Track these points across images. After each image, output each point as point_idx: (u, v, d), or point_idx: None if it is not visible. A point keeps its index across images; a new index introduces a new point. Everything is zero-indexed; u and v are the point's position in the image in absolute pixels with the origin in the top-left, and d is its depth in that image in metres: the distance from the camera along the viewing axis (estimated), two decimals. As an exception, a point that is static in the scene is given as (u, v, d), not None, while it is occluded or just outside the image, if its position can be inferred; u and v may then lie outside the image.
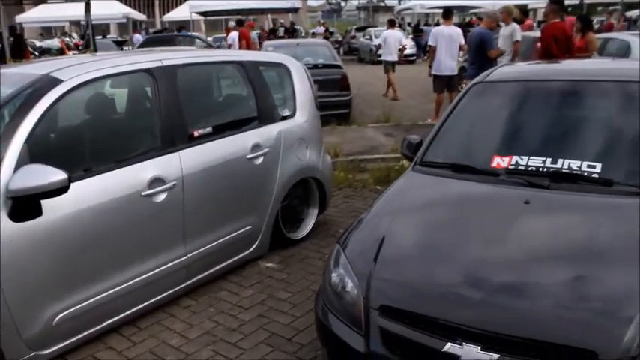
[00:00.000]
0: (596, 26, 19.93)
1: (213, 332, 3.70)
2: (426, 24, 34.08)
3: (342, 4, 70.27)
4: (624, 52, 11.20)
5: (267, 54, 6.36)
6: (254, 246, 4.58)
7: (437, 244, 2.68)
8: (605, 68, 4.25)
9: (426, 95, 12.53)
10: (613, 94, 3.44)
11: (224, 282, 4.36)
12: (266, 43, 12.72)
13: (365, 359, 2.38)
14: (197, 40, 20.12)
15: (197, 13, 24.57)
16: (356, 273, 2.58)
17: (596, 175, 2.90)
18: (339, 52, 27.69)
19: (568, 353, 2.05)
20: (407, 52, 24.55)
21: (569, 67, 4.50)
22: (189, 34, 23.53)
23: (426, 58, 19.87)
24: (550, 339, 2.09)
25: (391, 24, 15.37)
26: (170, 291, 3.94)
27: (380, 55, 23.58)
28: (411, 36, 27.97)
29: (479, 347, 2.12)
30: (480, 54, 8.83)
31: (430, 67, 10.53)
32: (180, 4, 34.90)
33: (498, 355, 2.09)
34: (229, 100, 5.02)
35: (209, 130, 4.17)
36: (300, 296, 4.11)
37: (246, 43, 14.68)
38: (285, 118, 4.89)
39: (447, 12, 10.88)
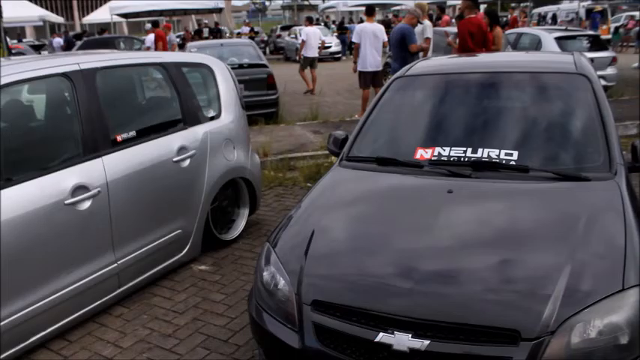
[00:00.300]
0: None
1: (148, 339, 3.63)
2: (350, 21, 34.48)
3: (267, 3, 70.02)
4: (536, 45, 11.78)
5: (189, 55, 6.27)
6: (186, 249, 4.53)
7: (365, 237, 2.74)
8: (517, 60, 4.46)
9: (352, 91, 12.70)
10: (526, 85, 3.63)
11: (157, 288, 4.28)
12: (190, 44, 12.53)
13: (300, 355, 2.40)
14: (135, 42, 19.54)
15: (118, 15, 23.87)
16: (287, 270, 2.60)
17: (513, 162, 3.05)
18: (265, 52, 27.68)
19: (493, 334, 2.14)
20: (332, 49, 24.88)
21: (485, 59, 4.69)
22: (130, 36, 22.88)
23: (350, 54, 20.14)
24: (476, 322, 2.18)
25: (309, 21, 15.66)
26: (101, 300, 3.84)
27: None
28: (335, 34, 28.23)
29: (410, 335, 2.18)
30: (402, 49, 9.04)
31: (355, 63, 10.66)
32: (101, 5, 33.82)
33: (429, 342, 2.16)
34: (153, 103, 4.93)
35: (133, 133, 4.08)
36: (234, 297, 4.09)
37: (162, 45, 14.38)
38: (210, 119, 4.84)
39: (370, 9, 11.06)
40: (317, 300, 2.42)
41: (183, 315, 3.90)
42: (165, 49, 14.18)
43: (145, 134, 4.20)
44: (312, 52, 14.51)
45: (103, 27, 25.65)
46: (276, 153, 7.74)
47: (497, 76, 3.74)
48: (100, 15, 28.99)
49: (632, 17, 25.12)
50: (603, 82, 11.43)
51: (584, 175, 2.91)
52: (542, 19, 26.30)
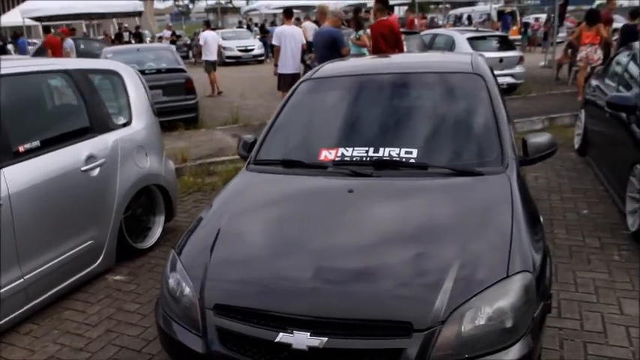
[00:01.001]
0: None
1: (58, 355, 3.53)
2: (272, 24, 34.47)
3: (190, 6, 68.97)
4: (450, 45, 12.20)
5: (96, 61, 6.12)
6: (99, 260, 4.43)
7: (267, 239, 2.78)
8: (418, 62, 4.63)
9: (274, 94, 12.70)
10: (426, 85, 3.79)
11: (69, 301, 4.17)
12: (105, 49, 12.19)
13: None
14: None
15: (31, 18, 22.84)
16: (191, 276, 2.61)
17: (412, 160, 3.17)
18: (187, 56, 27.23)
19: (388, 328, 2.24)
20: (255, 52, 24.85)
21: (388, 61, 4.84)
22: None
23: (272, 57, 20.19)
24: (371, 317, 2.26)
25: (207, 25, 15.76)
26: (7, 318, 3.70)
27: (226, 57, 23.62)
28: (258, 36, 28.18)
29: (308, 334, 2.24)
30: (331, 52, 9.07)
31: (276, 66, 10.68)
32: (13, 7, 32.27)
33: (327, 339, 2.22)
34: (58, 112, 4.78)
35: (37, 144, 3.96)
36: (149, 306, 4.03)
37: (52, 52, 13.75)
38: (121, 126, 4.76)
39: (288, 11, 11.10)
40: (219, 304, 2.44)
41: (96, 327, 3.82)
42: (57, 56, 13.34)
43: (51, 144, 4.08)
44: (212, 55, 14.81)
45: (17, 31, 24.47)
46: (195, 158, 7.67)
47: (398, 77, 3.87)
48: (10, 18, 27.61)
49: (536, 19, 26.41)
50: (512, 80, 12.08)
51: (478, 170, 3.06)
52: (458, 20, 27.23)
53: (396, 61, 4.81)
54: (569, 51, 13.79)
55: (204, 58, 14.63)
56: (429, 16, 32.00)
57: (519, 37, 25.57)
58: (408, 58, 5.26)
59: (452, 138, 3.42)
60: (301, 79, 4.15)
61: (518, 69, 12.22)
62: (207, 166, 7.47)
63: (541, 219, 3.11)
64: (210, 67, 14.57)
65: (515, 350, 2.25)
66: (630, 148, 4.84)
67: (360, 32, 9.11)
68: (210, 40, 14.89)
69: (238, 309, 2.41)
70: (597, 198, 5.65)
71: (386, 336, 2.22)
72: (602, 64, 9.10)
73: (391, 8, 9.02)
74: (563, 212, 5.33)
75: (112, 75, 5.00)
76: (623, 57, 6.39)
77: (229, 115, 10.59)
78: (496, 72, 11.75)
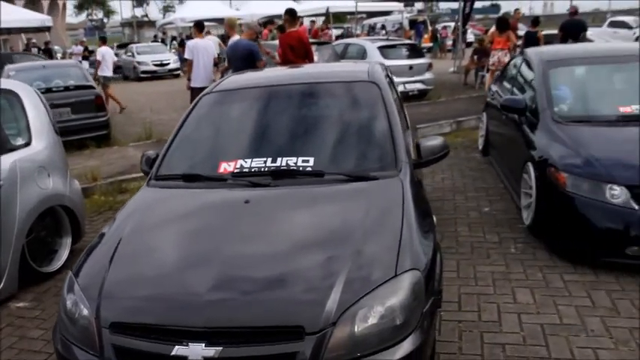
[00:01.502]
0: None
1: (-45, 390, 3.38)
2: (189, 37, 34.09)
3: (105, 20, 67.14)
4: (362, 54, 12.50)
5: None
6: None
7: (164, 254, 2.78)
8: (317, 72, 4.75)
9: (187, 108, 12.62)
10: (324, 95, 3.90)
11: (-33, 333, 3.99)
12: (8, 67, 11.67)
13: None
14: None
15: None
16: (87, 296, 2.58)
17: (309, 169, 3.26)
18: (100, 71, 26.40)
19: (281, 333, 2.29)
20: (171, 66, 24.49)
21: (287, 72, 4.93)
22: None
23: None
24: (265, 323, 2.32)
25: (103, 41, 15.49)
26: None
27: (142, 72, 23.14)
28: (174, 50, 27.79)
29: (203, 344, 2.26)
30: (247, 65, 9.08)
31: (189, 80, 10.59)
32: None
33: (222, 348, 2.25)
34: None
35: None
36: (55, 330, 3.92)
37: None
38: (20, 147, 4.61)
39: (199, 25, 11.04)
40: (115, 322, 2.43)
41: (-5, 358, 3.67)
42: None
43: (-60, 169, 3.91)
44: (108, 71, 14.55)
45: None
46: (106, 177, 7.49)
47: (297, 87, 3.97)
48: None
49: (444, 27, 27.52)
50: (422, 86, 12.53)
51: (372, 175, 3.19)
52: (372, 30, 27.93)
53: (296, 72, 4.91)
54: (476, 57, 14.46)
55: (100, 73, 14.25)
56: (345, 25, 32.67)
57: (431, 44, 26.53)
58: (308, 69, 5.37)
59: (348, 145, 3.54)
60: (202, 93, 4.18)
61: (427, 75, 12.68)
62: (119, 183, 7.31)
63: (434, 219, 3.27)
64: (108, 82, 14.21)
65: (406, 345, 2.36)
66: (522, 147, 5.15)
67: None
68: (107, 56, 14.58)
69: (135, 325, 2.41)
70: (498, 195, 5.96)
71: (279, 341, 2.27)
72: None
73: (298, 20, 9.11)
74: (466, 211, 5.59)
75: (9, 95, 4.83)
76: (517, 62, 6.77)
77: (143, 131, 10.40)
78: (406, 79, 12.27)
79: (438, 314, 2.89)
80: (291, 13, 8.61)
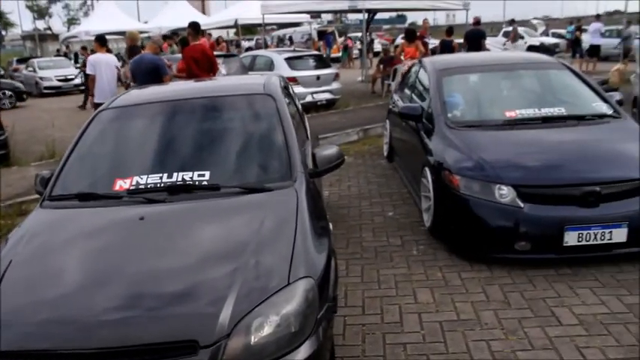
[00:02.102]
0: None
1: None
2: (93, 51, 33.00)
3: (4, 33, 63.74)
4: (269, 66, 12.58)
5: None
6: None
7: (54, 278, 2.69)
8: (214, 86, 4.78)
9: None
10: (219, 108, 3.92)
11: None
12: None
13: None
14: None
15: None
16: None
17: (205, 183, 3.26)
18: (-1, 87, 25.08)
19: (175, 348, 2.28)
20: (76, 81, 23.59)
21: (185, 87, 4.91)
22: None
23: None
24: (158, 340, 2.29)
25: None
26: None
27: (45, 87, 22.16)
28: (78, 65, 26.79)
29: None
30: (152, 79, 8.87)
31: (92, 96, 10.26)
32: None
33: None
34: None
35: None
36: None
37: None
38: None
39: (101, 39, 10.72)
40: (3, 351, 2.33)
41: None
42: None
43: None
44: None
45: None
46: (5, 199, 7.13)
47: (193, 102, 3.97)
48: None
49: (349, 38, 28.15)
50: (330, 96, 12.76)
51: (267, 186, 3.23)
52: (280, 42, 28.11)
53: (194, 86, 4.91)
54: (382, 66, 14.88)
55: None
56: (254, 37, 32.68)
57: (340, 54, 27.06)
58: (206, 83, 5.39)
59: (243, 157, 3.57)
60: (98, 109, 4.09)
61: (334, 85, 12.93)
62: (19, 206, 6.96)
63: (330, 226, 3.36)
64: None
65: (302, 351, 2.40)
66: (420, 152, 5.38)
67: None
68: None
69: (21, 353, 2.32)
70: (402, 200, 6.16)
71: (174, 357, 2.26)
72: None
73: (201, 33, 9.04)
74: (371, 216, 5.75)
75: None
76: (415, 71, 7.04)
77: (46, 150, 9.96)
78: (314, 89, 12.46)
79: (334, 319, 2.95)
80: (194, 27, 8.57)
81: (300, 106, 5.20)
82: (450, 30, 14.36)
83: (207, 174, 3.30)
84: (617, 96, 5.65)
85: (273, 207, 3.07)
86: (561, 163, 4.48)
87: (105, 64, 9.96)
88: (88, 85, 11.40)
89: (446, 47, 13.48)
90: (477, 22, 14.94)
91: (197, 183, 3.25)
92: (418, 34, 13.23)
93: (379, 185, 6.82)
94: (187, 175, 3.28)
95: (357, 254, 4.83)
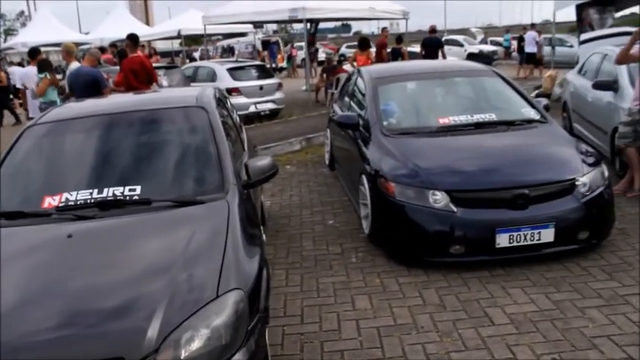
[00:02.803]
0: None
1: None
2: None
3: None
4: (212, 77, 12.52)
5: None
6: None
7: None
8: (145, 99, 4.74)
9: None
10: (150, 121, 3.89)
11: None
12: None
13: None
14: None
15: None
16: None
17: (136, 197, 3.22)
18: None
19: None
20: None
21: (117, 100, 4.85)
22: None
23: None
24: (85, 359, 2.26)
25: None
26: None
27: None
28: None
29: None
30: (91, 92, 8.66)
31: (26, 110, 9.99)
32: None
33: None
34: None
35: None
36: None
37: None
38: None
39: (33, 52, 10.47)
40: None
41: None
42: None
43: None
44: None
45: None
46: None
47: (123, 116, 3.93)
48: None
49: (293, 47, 28.31)
50: (274, 106, 12.78)
51: (199, 199, 3.22)
52: (225, 52, 27.98)
53: (127, 99, 4.86)
54: (325, 75, 15.01)
55: None
56: (199, 48, 32.42)
57: (284, 64, 27.16)
58: (140, 96, 5.33)
59: (175, 170, 3.55)
60: (27, 125, 4.00)
61: (278, 95, 12.98)
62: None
63: (263, 237, 3.37)
64: None
65: None
66: (358, 160, 5.45)
67: (41, 75, 8.63)
68: None
69: None
70: (342, 208, 6.23)
71: None
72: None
73: (138, 45, 8.90)
74: (312, 225, 5.78)
75: None
76: (354, 80, 7.14)
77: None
78: (257, 99, 12.45)
79: (266, 329, 2.96)
80: (132, 39, 8.48)
81: (236, 118, 5.20)
82: (399, 38, 14.71)
83: (138, 188, 3.26)
84: (544, 101, 5.88)
85: (204, 220, 3.06)
86: (492, 168, 4.63)
87: (34, 78, 9.70)
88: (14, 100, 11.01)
89: (396, 54, 13.81)
90: (433, 30, 15.15)
91: (128, 198, 3.21)
92: (377, 42, 13.66)
93: (320, 194, 6.87)
94: (118, 190, 3.24)
95: (297, 263, 4.85)
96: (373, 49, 14.29)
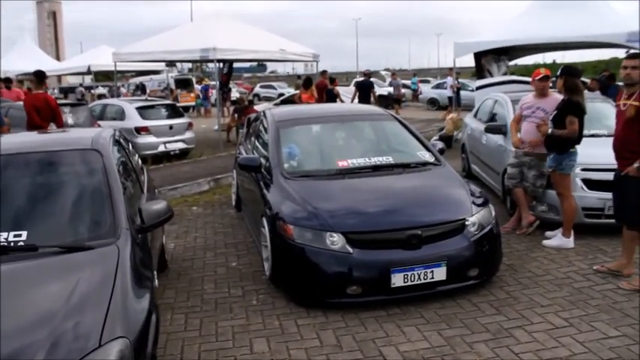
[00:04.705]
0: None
1: None
2: None
3: None
4: (120, 115, 12.29)
5: None
6: None
7: None
8: (38, 140, 4.62)
9: None
10: (41, 164, 3.79)
11: None
12: None
13: None
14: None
15: None
16: None
17: (22, 243, 3.12)
18: None
19: None
20: None
21: (15, 140, 4.68)
22: None
23: None
24: None
25: None
26: None
27: None
28: None
29: None
30: None
31: None
32: None
33: None
34: None
35: None
36: None
37: None
38: None
39: None
40: None
41: None
42: None
43: None
44: None
45: None
46: None
47: (13, 157, 3.80)
48: None
49: (208, 86, 28.11)
50: (184, 145, 12.66)
51: (88, 245, 3.15)
52: (137, 89, 27.52)
53: (21, 139, 4.69)
54: (236, 115, 15.07)
55: None
56: (110, 84, 31.72)
57: (193, 103, 27.08)
58: (34, 136, 5.17)
59: (65, 215, 3.47)
60: None
61: (188, 134, 12.89)
62: None
63: (155, 282, 3.33)
64: None
65: None
66: (260, 202, 5.50)
67: None
68: None
69: None
70: (246, 250, 6.23)
71: None
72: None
73: (43, 82, 8.67)
74: (214, 267, 5.74)
75: None
76: (260, 121, 7.19)
77: None
78: (167, 138, 12.28)
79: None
80: (38, 75, 8.30)
81: (136, 160, 5.14)
82: (331, 79, 15.51)
83: (24, 234, 3.16)
84: (439, 145, 6.19)
85: (92, 266, 2.99)
86: (387, 210, 4.80)
87: None
88: None
89: (330, 95, 14.66)
90: (367, 74, 16.86)
91: (12, 244, 3.10)
92: (317, 83, 14.55)
93: (225, 235, 6.84)
94: (2, 237, 3.12)
95: (197, 307, 4.79)
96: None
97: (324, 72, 15.77)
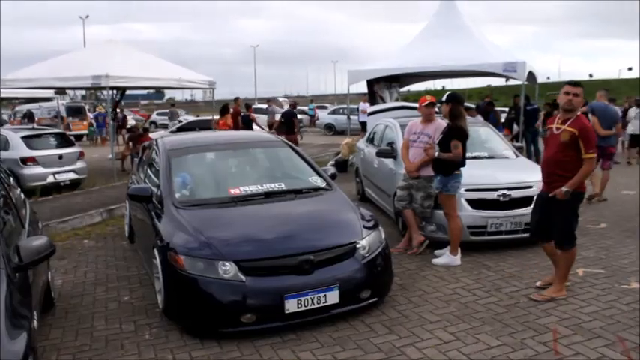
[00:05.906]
0: None
1: None
2: None
3: None
4: (4, 145, 11.61)
5: None
6: None
7: None
8: None
9: None
10: None
11: None
12: None
13: None
14: None
15: None
16: None
17: None
18: None
19: None
20: None
21: None
22: None
23: None
24: None
25: None
26: None
27: None
28: None
29: None
30: None
31: None
32: None
33: None
34: None
35: None
36: None
37: None
38: None
39: None
40: None
41: None
42: None
43: None
44: None
45: None
46: None
47: None
48: None
49: (101, 114, 26.78)
50: (75, 176, 12.13)
51: None
52: (25, 117, 25.91)
53: None
54: (131, 143, 14.66)
55: None
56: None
57: (86, 132, 26.07)
58: None
59: None
60: None
61: (79, 164, 12.36)
62: None
63: (35, 323, 3.17)
64: None
65: None
66: (151, 233, 5.38)
67: None
68: None
69: None
70: (139, 282, 6.05)
71: None
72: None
73: None
74: (105, 302, 5.53)
75: None
76: (151, 150, 7.05)
77: None
78: (56, 169, 11.73)
79: None
80: None
81: (16, 194, 4.90)
82: (247, 105, 16.27)
83: None
84: (331, 170, 6.35)
85: None
86: (279, 236, 4.85)
87: None
88: None
89: (246, 121, 15.33)
90: (293, 105, 18.53)
91: None
92: (232, 110, 14.98)
93: (118, 268, 6.62)
94: None
95: (85, 346, 4.58)
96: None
97: (236, 99, 16.12)
